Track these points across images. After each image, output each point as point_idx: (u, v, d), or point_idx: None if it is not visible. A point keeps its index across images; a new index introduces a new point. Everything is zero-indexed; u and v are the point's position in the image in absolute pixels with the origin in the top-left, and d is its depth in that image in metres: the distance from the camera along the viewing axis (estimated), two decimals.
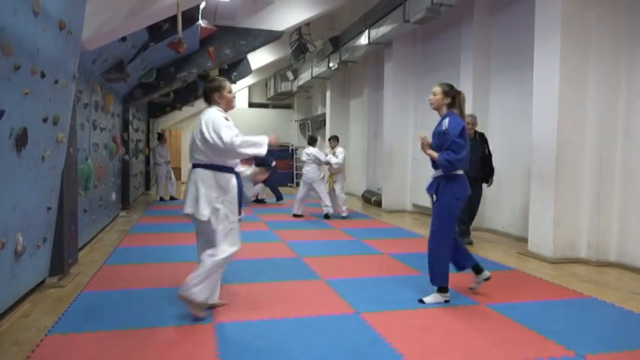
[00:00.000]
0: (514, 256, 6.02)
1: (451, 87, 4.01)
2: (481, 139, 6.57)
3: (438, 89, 4.02)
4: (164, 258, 5.72)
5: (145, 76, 9.33)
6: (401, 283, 4.66)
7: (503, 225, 7.57)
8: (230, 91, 3.73)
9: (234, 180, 3.60)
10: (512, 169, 7.40)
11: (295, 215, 9.05)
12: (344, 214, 8.91)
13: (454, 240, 4.01)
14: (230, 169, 3.60)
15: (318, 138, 17.76)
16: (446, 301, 3.99)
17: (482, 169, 6.54)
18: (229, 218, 3.56)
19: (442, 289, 4.03)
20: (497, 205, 7.72)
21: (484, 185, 6.71)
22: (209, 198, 3.50)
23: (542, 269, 5.35)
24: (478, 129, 7.89)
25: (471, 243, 6.51)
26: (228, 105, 3.72)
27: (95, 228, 7.03)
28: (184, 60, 9.63)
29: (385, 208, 10.64)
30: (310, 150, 8.98)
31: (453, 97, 3.98)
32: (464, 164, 3.83)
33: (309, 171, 8.88)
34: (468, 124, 6.26)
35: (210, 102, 3.71)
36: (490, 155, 6.63)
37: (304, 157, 8.94)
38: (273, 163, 11.19)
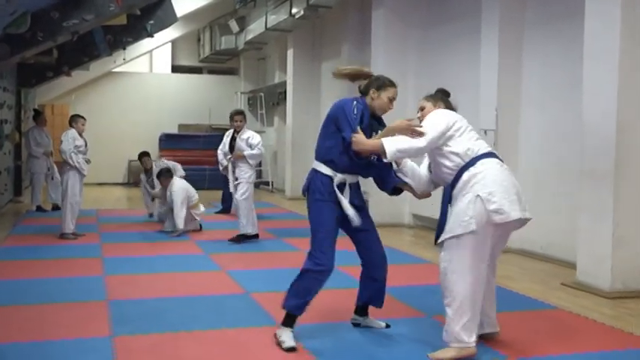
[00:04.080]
0: (557, 289, 6.16)
1: None
2: None
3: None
4: (46, 297, 5.63)
5: (13, 25, 9.15)
6: (399, 329, 4.72)
7: (542, 245, 7.75)
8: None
9: None
10: (554, 164, 7.59)
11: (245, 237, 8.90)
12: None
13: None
14: None
15: (275, 119, 17.76)
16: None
17: None
18: None
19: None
20: (532, 215, 7.87)
21: None
22: None
23: (597, 307, 5.50)
24: (502, 107, 8.04)
25: None
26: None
27: None
28: (74, 2, 9.49)
29: (374, 220, 10.71)
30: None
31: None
32: None
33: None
34: None
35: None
36: None
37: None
38: None
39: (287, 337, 4.24)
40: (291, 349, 4.16)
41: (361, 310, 4.74)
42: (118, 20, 11.37)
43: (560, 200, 7.43)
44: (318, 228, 4.32)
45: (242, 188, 8.55)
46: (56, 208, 11.89)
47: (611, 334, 4.75)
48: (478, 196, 3.94)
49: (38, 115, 12.66)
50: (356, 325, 4.72)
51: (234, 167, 8.71)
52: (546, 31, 7.78)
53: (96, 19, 9.73)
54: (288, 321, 4.32)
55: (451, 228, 4.03)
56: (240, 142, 8.65)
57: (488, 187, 3.95)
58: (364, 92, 4.48)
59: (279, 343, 4.24)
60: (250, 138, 8.67)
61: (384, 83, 4.41)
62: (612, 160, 5.88)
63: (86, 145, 9.06)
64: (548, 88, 7.74)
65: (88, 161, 9.00)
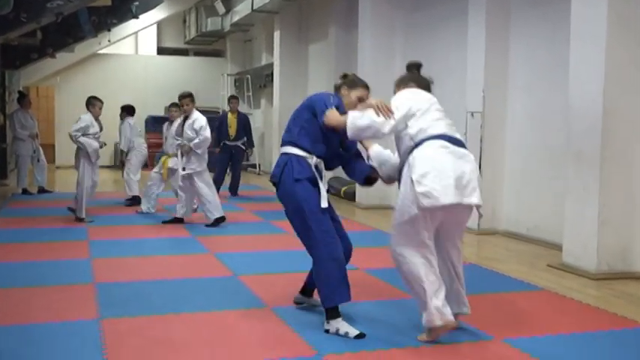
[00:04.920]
0: (543, 270, 6.21)
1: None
2: None
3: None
4: (32, 280, 5.62)
5: None
6: (384, 310, 4.74)
7: (529, 227, 7.79)
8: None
9: None
10: (541, 147, 7.61)
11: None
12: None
13: None
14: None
15: (261, 101, 17.68)
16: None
17: None
18: None
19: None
20: (519, 198, 7.92)
21: None
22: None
23: (582, 288, 5.56)
24: (488, 89, 8.07)
25: None
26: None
27: None
28: None
29: (360, 203, 10.73)
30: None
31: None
32: None
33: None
34: None
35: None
36: None
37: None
38: None
39: (346, 327, 4.14)
40: (361, 336, 4.09)
41: (309, 291, 4.71)
42: (103, 1, 11.26)
43: (547, 182, 7.47)
44: (312, 209, 4.29)
45: (195, 179, 8.20)
46: (42, 190, 11.82)
47: (597, 314, 4.80)
48: (411, 178, 3.88)
49: (23, 97, 12.55)
50: (299, 304, 4.74)
51: (182, 155, 8.23)
52: (533, 13, 7.77)
53: (80, 0, 9.62)
54: (333, 313, 4.19)
55: (398, 214, 4.02)
56: (186, 129, 8.15)
57: (422, 168, 3.85)
58: (337, 89, 4.52)
59: (343, 335, 4.11)
60: (195, 122, 8.14)
61: (355, 83, 4.46)
62: (598, 142, 5.90)
63: (101, 129, 8.92)
64: (534, 70, 7.75)
65: (101, 145, 8.87)
